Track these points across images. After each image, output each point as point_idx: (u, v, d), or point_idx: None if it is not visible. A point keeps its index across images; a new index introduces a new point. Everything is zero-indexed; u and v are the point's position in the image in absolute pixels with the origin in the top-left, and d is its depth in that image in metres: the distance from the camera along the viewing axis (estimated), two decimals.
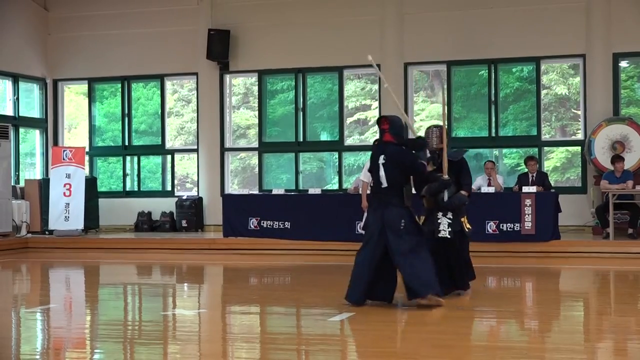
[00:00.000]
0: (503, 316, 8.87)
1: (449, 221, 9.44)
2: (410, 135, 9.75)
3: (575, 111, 19.38)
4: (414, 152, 9.21)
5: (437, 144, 9.52)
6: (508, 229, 14.85)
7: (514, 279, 12.29)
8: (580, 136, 17.77)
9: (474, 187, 15.71)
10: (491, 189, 15.35)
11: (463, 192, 9.61)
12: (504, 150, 19.40)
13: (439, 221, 9.43)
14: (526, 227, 14.73)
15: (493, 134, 17.93)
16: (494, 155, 18.88)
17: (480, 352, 6.98)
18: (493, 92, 17.92)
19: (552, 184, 16.40)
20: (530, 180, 15.71)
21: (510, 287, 11.61)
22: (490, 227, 14.92)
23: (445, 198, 9.41)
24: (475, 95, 18.63)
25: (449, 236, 9.46)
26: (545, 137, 18.18)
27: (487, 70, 18.02)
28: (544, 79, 18.86)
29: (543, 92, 18.42)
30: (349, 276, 11.91)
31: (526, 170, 16.07)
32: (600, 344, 7.54)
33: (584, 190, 17.37)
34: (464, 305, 9.13)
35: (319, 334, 7.84)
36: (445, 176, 9.40)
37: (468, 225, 9.64)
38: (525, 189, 15.03)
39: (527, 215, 14.72)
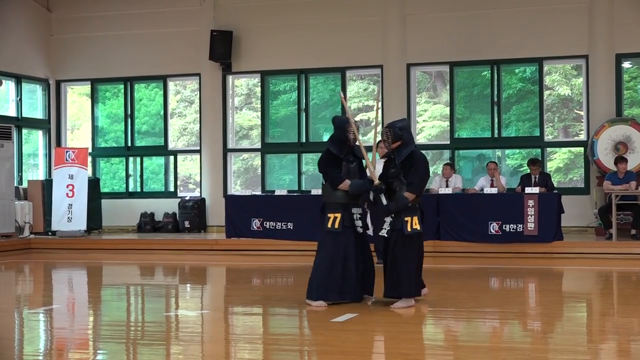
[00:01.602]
0: (506, 317, 8.86)
1: (391, 219, 9.05)
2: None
3: (578, 112, 19.37)
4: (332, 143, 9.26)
5: (389, 145, 9.12)
6: (511, 230, 14.85)
7: (516, 279, 12.28)
8: (583, 137, 17.76)
9: (476, 187, 15.78)
10: (494, 190, 15.35)
11: (406, 194, 8.97)
12: (507, 151, 19.40)
13: (384, 219, 9.11)
14: (529, 228, 14.73)
15: (496, 135, 17.93)
16: (496, 156, 18.88)
17: (483, 353, 6.98)
18: (496, 93, 17.91)
19: (555, 185, 16.39)
20: (533, 181, 15.71)
21: (513, 288, 11.59)
22: (493, 227, 14.92)
23: (384, 202, 9.02)
24: (477, 96, 18.63)
25: (385, 235, 9.07)
26: (548, 138, 18.19)
27: (489, 71, 18.02)
28: (547, 80, 18.87)
29: (546, 93, 18.42)
30: None
31: (529, 171, 16.07)
32: (603, 345, 7.54)
33: (586, 191, 17.36)
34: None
35: (322, 335, 7.83)
36: (376, 181, 9.04)
37: (415, 226, 8.95)
38: (528, 190, 15.03)
39: (529, 216, 14.72)
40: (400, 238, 8.98)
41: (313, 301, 9.11)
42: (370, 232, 9.41)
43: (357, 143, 9.25)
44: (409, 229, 8.93)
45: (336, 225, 9.11)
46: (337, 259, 9.11)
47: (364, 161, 9.38)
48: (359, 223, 9.26)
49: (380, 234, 9.13)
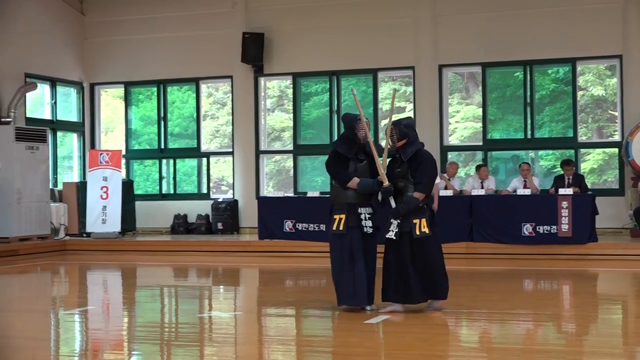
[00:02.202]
0: (540, 319, 8.81)
1: (399, 221, 8.73)
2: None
3: (612, 112, 19.20)
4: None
5: (395, 143, 8.87)
6: (544, 232, 14.77)
7: (550, 281, 12.20)
8: (617, 138, 17.61)
9: (509, 189, 15.69)
10: (527, 191, 15.26)
11: (415, 195, 8.71)
12: (540, 152, 19.28)
13: (391, 221, 8.78)
14: (563, 230, 14.63)
15: (529, 136, 17.83)
16: (529, 157, 18.78)
17: (517, 356, 6.94)
18: (528, 93, 17.81)
19: (589, 186, 16.27)
20: (566, 182, 15.60)
21: (547, 290, 11.53)
22: (527, 229, 14.84)
23: (393, 204, 8.73)
24: (510, 97, 18.53)
25: (394, 237, 8.72)
26: (581, 138, 18.06)
27: (522, 72, 17.92)
28: (580, 80, 18.73)
29: (579, 93, 18.29)
30: (380, 277, 11.92)
31: (562, 172, 15.96)
32: (639, 347, 7.47)
33: (621, 192, 17.20)
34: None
35: (354, 337, 7.84)
36: (386, 182, 8.74)
37: (424, 229, 8.66)
38: (561, 191, 14.93)
39: (563, 218, 14.62)
40: (413, 241, 8.69)
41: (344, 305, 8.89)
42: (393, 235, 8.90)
43: (368, 140, 8.96)
44: (417, 232, 8.65)
45: (341, 227, 8.89)
46: (345, 262, 8.86)
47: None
48: (368, 223, 8.91)
49: (387, 236, 8.77)
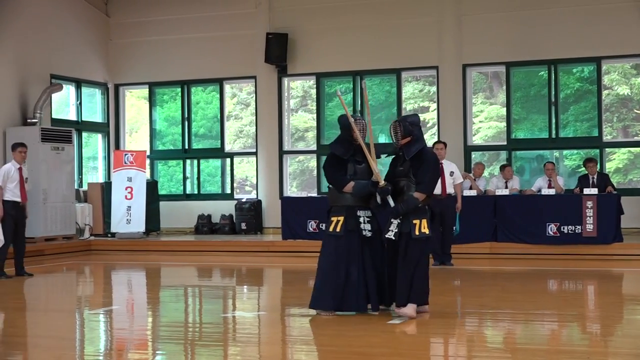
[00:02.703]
0: (564, 320, 8.77)
1: (399, 221, 8.48)
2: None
3: (637, 112, 19.07)
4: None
5: (399, 140, 8.62)
6: (569, 232, 14.70)
7: (575, 282, 12.14)
8: None
9: (533, 188, 15.62)
10: (552, 191, 15.19)
11: (416, 194, 8.45)
12: (565, 152, 19.18)
13: (391, 220, 8.54)
14: (587, 230, 14.55)
15: (553, 136, 17.73)
16: (554, 157, 18.68)
17: (541, 356, 6.92)
18: (553, 93, 17.72)
19: (614, 186, 16.16)
20: (590, 181, 15.50)
21: (572, 290, 11.47)
22: (551, 229, 14.78)
23: (392, 204, 8.49)
24: (534, 96, 18.45)
25: (393, 238, 8.48)
26: (606, 138, 17.94)
27: (546, 71, 17.84)
28: (605, 79, 18.61)
29: (604, 92, 18.17)
30: None
31: (586, 172, 15.86)
32: None
33: None
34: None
35: (378, 337, 7.83)
36: (381, 182, 8.54)
37: (424, 230, 8.42)
38: (586, 191, 14.84)
39: (588, 218, 14.55)
40: (410, 242, 8.43)
41: (321, 311, 8.67)
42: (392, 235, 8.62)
43: (360, 141, 8.72)
44: (416, 232, 8.39)
45: (338, 229, 8.64)
46: (340, 265, 8.59)
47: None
48: (367, 227, 8.66)
49: (386, 236, 8.54)
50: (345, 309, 8.62)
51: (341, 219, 8.64)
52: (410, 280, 8.42)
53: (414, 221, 8.42)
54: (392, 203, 8.51)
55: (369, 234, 8.67)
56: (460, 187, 14.00)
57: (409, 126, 8.59)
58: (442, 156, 13.51)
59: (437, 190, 13.34)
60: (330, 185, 8.89)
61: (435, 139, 18.59)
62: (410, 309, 8.44)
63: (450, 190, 13.50)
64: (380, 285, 8.71)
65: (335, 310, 8.62)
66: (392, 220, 8.51)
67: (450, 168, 13.66)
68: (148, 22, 20.46)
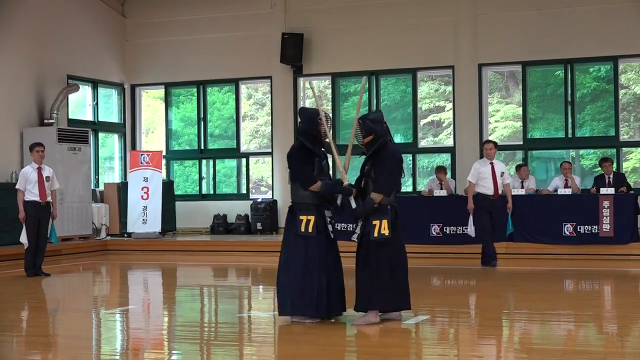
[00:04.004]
0: (581, 320, 8.74)
1: (361, 223, 8.13)
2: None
3: None
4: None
5: (362, 139, 8.22)
6: (586, 231, 14.64)
7: (591, 282, 12.09)
8: None
9: (550, 188, 15.55)
10: (568, 191, 15.13)
11: (372, 195, 8.02)
12: (581, 151, 19.10)
13: (358, 223, 8.16)
14: (604, 229, 14.50)
15: (570, 135, 17.67)
16: (570, 157, 18.61)
17: (558, 357, 6.89)
18: (569, 92, 17.65)
19: (631, 185, 16.09)
20: (607, 181, 15.43)
21: (588, 290, 11.42)
22: (568, 229, 14.73)
23: (353, 205, 8.13)
24: (551, 95, 18.39)
25: (356, 240, 8.12)
26: (623, 137, 17.86)
27: (563, 71, 17.77)
28: (622, 79, 18.53)
29: (621, 91, 18.09)
30: (422, 279, 11.89)
31: (602, 171, 15.78)
32: None
33: None
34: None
35: (394, 337, 7.83)
36: (346, 182, 8.13)
37: (383, 231, 7.98)
38: (603, 191, 14.78)
39: (605, 217, 14.49)
40: (371, 244, 8.05)
41: (296, 317, 8.18)
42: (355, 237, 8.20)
43: (328, 137, 8.29)
44: (375, 233, 7.98)
45: (310, 229, 8.09)
46: (312, 268, 8.10)
47: (330, 157, 8.47)
48: (330, 227, 8.26)
49: (352, 239, 8.17)
50: (321, 314, 8.19)
51: (312, 218, 8.13)
52: (370, 284, 8.04)
53: (374, 222, 8.02)
54: (353, 204, 8.16)
55: (332, 235, 8.29)
56: (510, 187, 13.88)
57: (370, 124, 8.18)
58: (491, 156, 13.43)
59: (489, 191, 13.38)
60: (295, 182, 8.29)
61: (451, 139, 18.59)
62: (371, 315, 8.09)
63: (502, 190, 13.44)
64: (342, 289, 8.35)
65: (317, 317, 8.17)
66: (358, 222, 8.18)
67: (501, 168, 13.54)
68: (164, 23, 20.52)
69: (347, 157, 8.28)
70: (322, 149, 8.35)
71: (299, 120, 8.47)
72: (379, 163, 8.13)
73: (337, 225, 8.63)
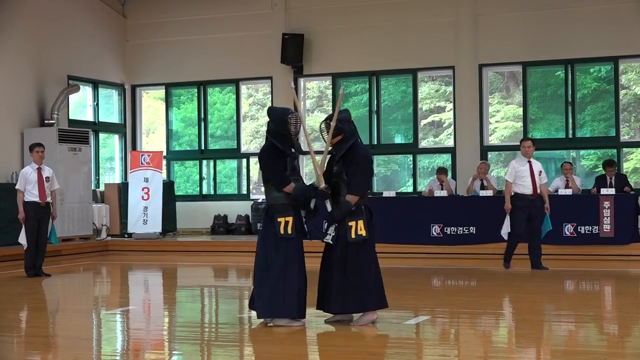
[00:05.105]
0: (582, 320, 8.74)
1: (336, 225, 8.05)
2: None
3: None
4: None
5: (328, 139, 8.09)
6: (586, 232, 14.64)
7: (592, 282, 12.09)
8: None
9: (550, 188, 15.53)
10: (569, 191, 15.12)
11: (348, 197, 7.96)
12: (582, 152, 19.10)
13: (330, 225, 8.10)
14: (605, 230, 14.49)
15: (570, 136, 17.67)
16: (571, 157, 18.61)
17: (559, 357, 6.89)
18: (570, 92, 17.65)
19: (632, 186, 16.08)
20: (608, 182, 15.43)
21: (589, 291, 11.42)
22: (568, 229, 14.72)
23: (328, 208, 8.06)
24: (551, 96, 18.38)
25: (331, 242, 8.05)
26: (624, 138, 17.86)
27: (563, 71, 17.77)
28: (623, 79, 18.53)
29: (622, 92, 18.09)
30: (422, 279, 11.89)
31: (604, 172, 15.77)
32: None
33: None
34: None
35: (394, 337, 7.83)
36: (322, 184, 8.00)
37: (360, 231, 7.97)
38: (603, 191, 14.77)
39: (605, 218, 14.48)
40: (349, 246, 8.00)
41: (280, 320, 8.08)
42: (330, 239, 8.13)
43: (298, 137, 8.19)
44: (353, 235, 7.95)
45: (289, 231, 7.98)
46: (293, 269, 8.03)
47: (305, 158, 8.27)
48: (305, 228, 8.22)
49: (324, 240, 8.10)
50: (302, 315, 8.13)
51: (290, 219, 8.00)
52: (360, 285, 8.00)
53: (350, 223, 7.99)
54: (329, 207, 8.09)
55: (307, 236, 8.24)
56: (546, 187, 13.35)
57: (338, 124, 8.06)
58: (529, 154, 12.91)
59: (528, 190, 12.80)
60: (268, 184, 8.12)
61: (452, 139, 18.59)
62: (370, 314, 8.11)
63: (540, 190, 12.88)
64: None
65: (292, 317, 8.07)
66: (330, 225, 8.09)
67: (539, 167, 13.01)
68: (164, 23, 20.52)
69: (323, 159, 8.17)
70: (293, 149, 8.20)
71: (267, 120, 8.33)
72: (350, 164, 8.04)
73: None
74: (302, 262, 8.14)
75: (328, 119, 8.19)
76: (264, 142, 8.31)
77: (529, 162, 12.91)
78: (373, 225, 8.15)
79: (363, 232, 7.99)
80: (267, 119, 8.34)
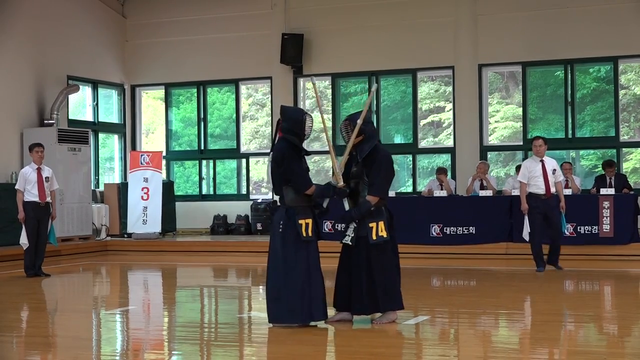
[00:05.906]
0: (581, 320, 8.74)
1: (355, 225, 8.02)
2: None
3: None
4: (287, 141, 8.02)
5: (347, 139, 8.13)
6: (586, 232, 14.64)
7: (592, 282, 12.09)
8: None
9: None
10: (568, 191, 15.11)
11: (368, 197, 7.97)
12: (581, 152, 19.10)
13: (349, 225, 8.08)
14: (604, 230, 14.49)
15: (570, 136, 17.67)
16: (570, 157, 18.61)
17: (559, 357, 6.89)
18: (569, 92, 17.65)
19: (632, 186, 16.09)
20: (607, 182, 15.44)
21: (588, 291, 11.43)
22: (568, 229, 14.70)
23: (346, 207, 8.07)
24: (551, 96, 18.39)
25: (350, 243, 8.01)
26: (623, 138, 17.87)
27: (563, 71, 17.77)
28: (622, 79, 18.53)
29: (621, 92, 18.09)
30: (422, 279, 11.89)
31: (603, 172, 15.78)
32: None
33: None
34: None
35: (394, 337, 7.83)
36: (340, 182, 7.99)
37: (382, 233, 7.95)
38: (603, 191, 14.77)
39: (605, 218, 14.48)
40: (370, 247, 7.99)
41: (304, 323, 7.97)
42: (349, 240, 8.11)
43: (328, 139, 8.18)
44: (374, 236, 7.93)
45: (310, 233, 7.91)
46: (317, 273, 8.01)
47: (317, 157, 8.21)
48: (320, 230, 8.19)
49: (343, 241, 8.08)
50: (320, 317, 8.09)
51: (309, 221, 7.94)
52: (384, 286, 8.01)
53: (370, 225, 7.97)
54: (347, 206, 8.10)
55: (321, 237, 8.24)
56: (562, 186, 13.14)
57: (361, 124, 8.04)
58: (541, 153, 12.68)
59: (541, 190, 12.62)
60: (288, 185, 7.99)
61: (451, 139, 18.59)
62: (391, 314, 8.14)
63: (554, 189, 12.71)
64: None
65: (307, 322, 8.03)
66: (348, 224, 8.10)
67: (553, 165, 12.80)
68: (164, 23, 20.52)
69: (343, 159, 8.17)
70: (304, 150, 8.20)
71: (279, 119, 8.31)
72: (372, 165, 8.03)
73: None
74: (319, 264, 8.10)
75: (347, 119, 8.19)
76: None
77: (542, 161, 12.71)
78: (393, 226, 8.12)
79: (384, 234, 7.97)
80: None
